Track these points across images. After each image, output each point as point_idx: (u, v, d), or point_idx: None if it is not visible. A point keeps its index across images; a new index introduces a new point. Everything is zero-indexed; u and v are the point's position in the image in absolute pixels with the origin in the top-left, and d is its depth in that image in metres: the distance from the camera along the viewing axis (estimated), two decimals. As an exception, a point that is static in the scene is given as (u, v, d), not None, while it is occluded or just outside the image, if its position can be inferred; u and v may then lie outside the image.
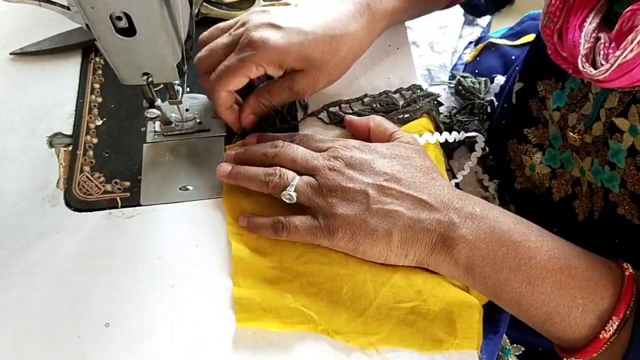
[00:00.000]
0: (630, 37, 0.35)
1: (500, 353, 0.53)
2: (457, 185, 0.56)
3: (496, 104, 0.61)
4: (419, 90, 0.54)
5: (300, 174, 0.44)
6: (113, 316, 0.44)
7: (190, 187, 0.50)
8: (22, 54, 0.59)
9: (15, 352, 0.43)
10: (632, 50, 0.35)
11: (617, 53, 0.35)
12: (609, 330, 0.37)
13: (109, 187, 0.51)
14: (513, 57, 0.67)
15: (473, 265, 0.40)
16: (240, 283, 0.44)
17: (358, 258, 0.44)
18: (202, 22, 0.60)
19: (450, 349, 0.42)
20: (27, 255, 0.47)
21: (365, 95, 0.54)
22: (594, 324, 0.38)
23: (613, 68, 0.36)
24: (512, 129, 0.54)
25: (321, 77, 0.50)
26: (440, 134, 0.52)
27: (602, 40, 0.38)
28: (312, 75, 0.49)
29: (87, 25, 0.39)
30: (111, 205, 0.50)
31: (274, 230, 0.44)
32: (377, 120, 0.49)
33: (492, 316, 0.51)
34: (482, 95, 0.62)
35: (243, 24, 0.48)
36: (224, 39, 0.49)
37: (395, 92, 0.54)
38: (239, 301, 0.43)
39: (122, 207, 0.49)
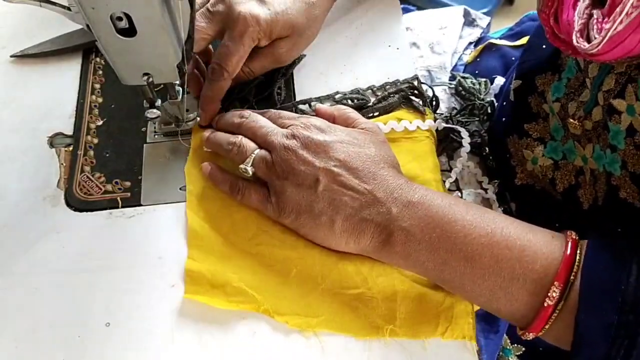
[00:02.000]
0: (618, 9, 0.35)
1: (500, 353, 0.53)
2: (457, 185, 0.56)
3: (496, 104, 0.62)
4: (390, 87, 0.55)
5: (260, 147, 0.46)
6: (113, 316, 0.44)
7: (190, 187, 0.50)
8: (23, 56, 0.59)
9: (16, 352, 0.43)
10: (621, 21, 0.35)
11: (607, 25, 0.36)
12: (553, 297, 0.37)
13: (109, 187, 0.51)
14: (513, 58, 0.67)
15: (410, 252, 0.41)
16: (194, 256, 0.46)
17: (309, 242, 0.45)
18: (203, 22, 0.60)
19: (385, 335, 0.43)
20: (28, 255, 0.47)
21: (337, 93, 0.55)
22: (537, 292, 0.38)
23: (605, 41, 0.36)
24: (512, 125, 0.55)
25: (302, 42, 0.54)
26: (424, 122, 0.52)
27: (595, 16, 0.38)
28: (295, 40, 0.53)
29: (87, 25, 0.39)
30: (112, 205, 0.50)
31: (231, 188, 0.47)
32: (341, 109, 0.50)
33: (492, 316, 0.51)
34: (482, 96, 0.62)
35: (221, 0, 0.50)
36: (203, 17, 0.50)
37: (367, 89, 0.55)
38: (190, 274, 0.45)
39: (122, 207, 0.50)
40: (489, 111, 0.61)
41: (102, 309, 0.44)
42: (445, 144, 0.58)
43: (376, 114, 0.53)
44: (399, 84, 0.55)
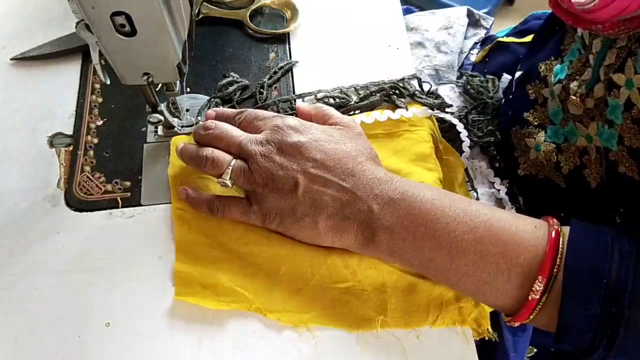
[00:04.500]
0: None
1: (512, 354, 0.54)
2: (471, 185, 0.56)
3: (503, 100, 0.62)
4: (373, 86, 0.55)
5: (235, 156, 0.45)
6: (113, 316, 0.44)
7: (190, 187, 0.50)
8: (24, 58, 0.59)
9: (16, 352, 0.43)
10: None
11: None
12: (537, 290, 0.38)
13: (109, 187, 0.51)
14: (521, 56, 0.67)
15: (394, 249, 0.41)
16: (182, 258, 0.46)
17: (296, 239, 0.46)
18: (203, 22, 0.60)
19: (377, 327, 0.43)
20: (28, 255, 0.47)
21: (319, 91, 0.55)
22: (522, 285, 0.38)
23: None
24: (514, 117, 0.56)
25: None
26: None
27: None
28: None
29: (87, 25, 0.39)
30: (111, 205, 0.50)
31: (209, 208, 0.46)
32: (318, 107, 0.50)
33: None
34: (491, 94, 0.62)
35: None
36: None
37: (350, 87, 0.55)
38: (179, 275, 0.45)
39: (122, 207, 0.50)
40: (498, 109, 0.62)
41: (102, 309, 0.44)
42: (459, 142, 0.58)
43: (357, 112, 0.54)
44: (382, 83, 0.55)
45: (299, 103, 0.52)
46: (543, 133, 0.52)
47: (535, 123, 0.53)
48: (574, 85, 0.48)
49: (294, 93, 0.56)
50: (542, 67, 0.53)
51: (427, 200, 0.41)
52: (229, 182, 0.45)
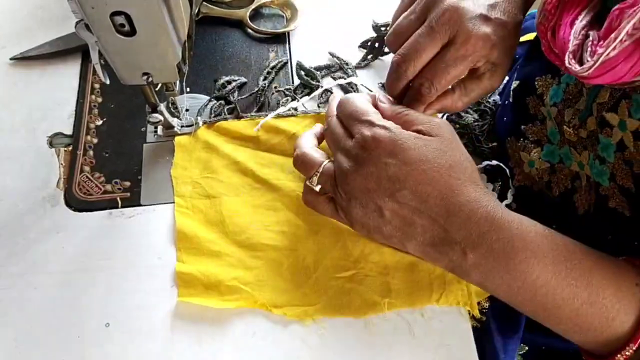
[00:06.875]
0: (613, 35, 0.35)
1: (503, 352, 0.54)
2: None
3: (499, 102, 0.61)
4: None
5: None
6: (113, 316, 0.44)
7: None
8: (23, 58, 0.59)
9: (16, 352, 0.43)
10: (614, 47, 0.34)
11: (600, 50, 0.35)
12: (626, 355, 0.37)
13: (109, 187, 0.51)
14: (517, 56, 0.66)
15: (486, 284, 0.40)
16: (183, 259, 0.46)
17: (299, 234, 0.46)
18: (202, 21, 0.60)
19: (383, 310, 0.44)
20: (28, 255, 0.47)
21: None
22: (610, 343, 0.38)
23: (596, 65, 0.36)
24: (511, 126, 0.54)
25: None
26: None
27: (591, 38, 0.38)
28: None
29: (86, 25, 0.39)
30: (111, 205, 0.50)
31: (304, 202, 0.44)
32: (397, 111, 0.43)
33: (512, 315, 0.51)
34: (487, 97, 0.61)
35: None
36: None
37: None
38: (181, 276, 0.45)
39: (122, 207, 0.50)
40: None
41: (102, 309, 0.44)
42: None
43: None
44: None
45: (380, 98, 0.45)
46: (539, 150, 0.51)
47: (532, 138, 0.52)
48: (568, 112, 0.46)
49: (294, 92, 0.56)
50: (539, 83, 0.51)
51: (533, 271, 0.38)
52: (316, 187, 0.42)
